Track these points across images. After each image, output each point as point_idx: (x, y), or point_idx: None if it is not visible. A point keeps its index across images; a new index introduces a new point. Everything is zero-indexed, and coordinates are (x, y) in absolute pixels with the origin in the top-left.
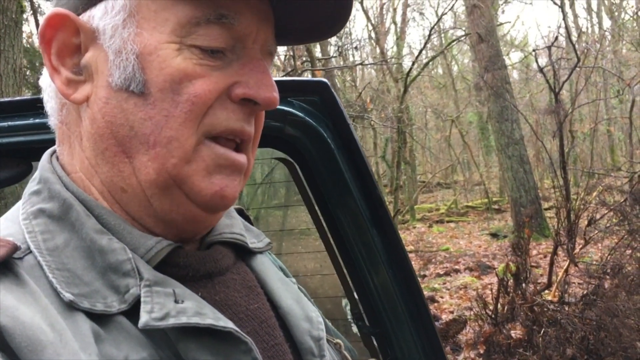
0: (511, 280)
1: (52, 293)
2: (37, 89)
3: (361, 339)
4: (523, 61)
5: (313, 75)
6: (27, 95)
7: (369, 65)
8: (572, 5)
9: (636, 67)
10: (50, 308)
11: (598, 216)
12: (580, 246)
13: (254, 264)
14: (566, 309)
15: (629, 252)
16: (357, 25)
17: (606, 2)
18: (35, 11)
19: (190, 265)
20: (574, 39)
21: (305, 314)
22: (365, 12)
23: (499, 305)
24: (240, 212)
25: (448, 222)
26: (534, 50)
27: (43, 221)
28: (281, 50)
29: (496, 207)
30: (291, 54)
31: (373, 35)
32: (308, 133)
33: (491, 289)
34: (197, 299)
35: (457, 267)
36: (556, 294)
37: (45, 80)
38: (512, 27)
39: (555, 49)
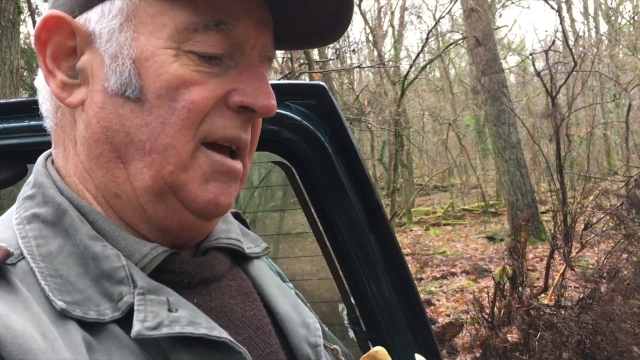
0: (508, 284)
1: (44, 301)
2: (34, 90)
3: (358, 344)
4: (520, 65)
5: (311, 77)
6: (23, 96)
7: (366, 68)
8: (569, 9)
9: (633, 71)
10: (42, 316)
11: (594, 220)
12: (577, 250)
13: (250, 269)
14: (562, 312)
15: (625, 256)
16: (355, 28)
17: (603, 6)
18: (32, 12)
19: (185, 272)
20: (571, 43)
21: (303, 320)
22: (363, 15)
23: (495, 309)
24: (237, 216)
25: (445, 225)
26: (531, 54)
27: (37, 226)
28: (279, 52)
29: (493, 210)
30: (289, 56)
31: (371, 38)
32: (305, 137)
33: (488, 293)
34: (191, 307)
35: (453, 270)
36: (552, 297)
37: (41, 82)
38: (509, 30)
39: (553, 53)
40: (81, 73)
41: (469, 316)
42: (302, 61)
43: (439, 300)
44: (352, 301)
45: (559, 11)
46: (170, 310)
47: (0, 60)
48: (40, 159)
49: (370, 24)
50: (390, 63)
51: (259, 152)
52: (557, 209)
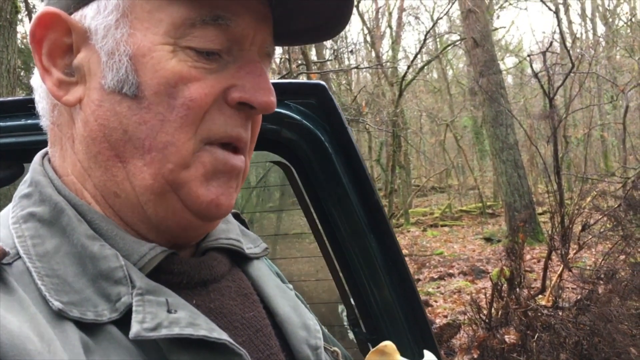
0: (505, 285)
1: (41, 301)
2: (31, 90)
3: (357, 345)
4: (517, 66)
5: (308, 78)
6: (20, 95)
7: (364, 69)
8: (566, 11)
9: (630, 73)
10: (39, 317)
11: (592, 221)
12: (574, 251)
13: (250, 270)
14: (560, 314)
15: (622, 257)
16: (353, 29)
17: (600, 8)
18: (29, 12)
19: (184, 273)
20: (568, 44)
21: (303, 322)
22: (361, 15)
23: (492, 310)
24: (236, 216)
25: (442, 226)
26: (528, 56)
27: (33, 225)
28: (277, 53)
29: (490, 211)
30: (287, 57)
31: (368, 39)
32: (305, 136)
33: (485, 294)
34: (190, 308)
35: (451, 271)
36: (550, 298)
37: (37, 81)
38: (506, 32)
39: (550, 54)
40: (78, 71)
41: (466, 317)
42: (299, 62)
43: (436, 302)
44: (352, 302)
45: (556, 13)
46: (169, 311)
47: None
48: (37, 158)
49: (368, 25)
50: (388, 64)
51: (258, 152)
52: (554, 210)
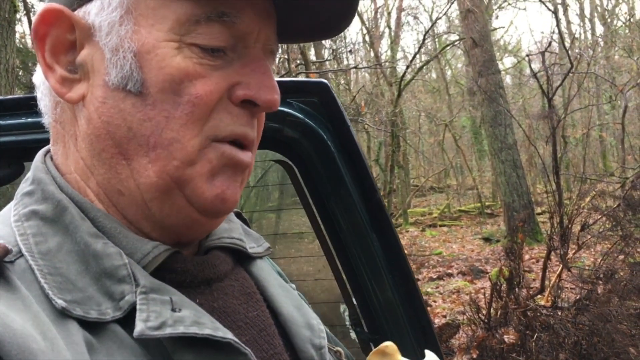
0: (504, 285)
1: (44, 299)
2: (30, 90)
3: (359, 345)
4: (516, 66)
5: (307, 78)
6: (19, 94)
7: (363, 69)
8: (565, 11)
9: (629, 73)
10: (42, 315)
11: (591, 221)
12: (573, 251)
13: (253, 269)
14: (559, 313)
15: (621, 257)
16: (352, 28)
17: (599, 8)
18: (28, 11)
19: (187, 271)
20: (567, 44)
21: (306, 322)
22: (360, 15)
23: (492, 310)
24: (238, 215)
25: (441, 226)
26: (527, 56)
27: (35, 223)
28: None
29: (489, 211)
30: (286, 57)
31: (367, 38)
32: (307, 135)
33: (484, 294)
34: (195, 307)
35: (450, 271)
36: (549, 298)
37: (39, 77)
38: (505, 32)
39: (549, 54)
40: (81, 68)
41: (465, 317)
42: (298, 62)
43: (435, 302)
44: (354, 302)
45: (555, 13)
46: (173, 309)
47: None
48: (39, 155)
49: (367, 25)
50: (387, 64)
51: (260, 151)
52: (553, 210)
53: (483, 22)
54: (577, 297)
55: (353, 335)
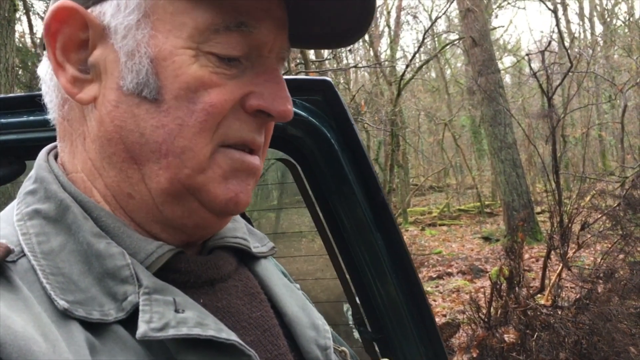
0: (504, 284)
1: (45, 300)
2: (29, 89)
3: (363, 344)
4: (516, 66)
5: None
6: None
7: (362, 68)
8: (564, 10)
9: (628, 72)
10: (44, 316)
11: (591, 220)
12: (574, 250)
13: (257, 269)
14: (559, 313)
15: (621, 256)
16: None
17: (598, 7)
18: (28, 10)
19: (191, 271)
20: (566, 44)
21: (311, 322)
22: None
23: (492, 309)
24: (241, 214)
25: (440, 225)
26: (527, 55)
27: (38, 223)
28: None
29: (488, 210)
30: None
31: (367, 38)
32: (311, 133)
33: (484, 293)
34: (198, 308)
35: (449, 270)
36: (549, 298)
37: (44, 70)
38: (505, 31)
39: (548, 53)
40: (93, 68)
41: (465, 316)
42: (298, 61)
43: (435, 301)
44: (357, 301)
45: (555, 12)
46: (176, 310)
47: None
48: (42, 154)
49: None
50: (387, 63)
51: None
52: (553, 210)
53: (483, 21)
54: (577, 297)
55: (356, 334)
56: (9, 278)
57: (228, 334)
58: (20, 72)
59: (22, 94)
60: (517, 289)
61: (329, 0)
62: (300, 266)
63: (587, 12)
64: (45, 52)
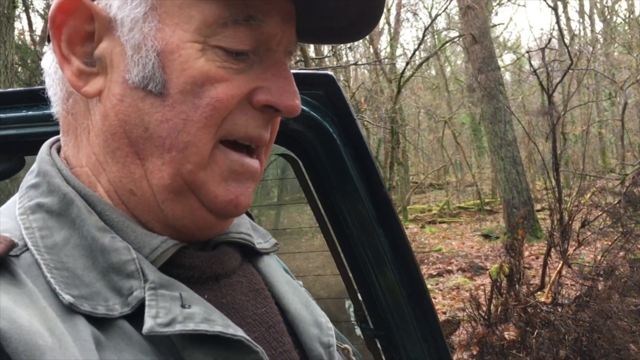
0: (504, 281)
1: (50, 294)
2: (29, 86)
3: (364, 341)
4: (516, 63)
5: None
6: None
7: (362, 66)
8: (565, 8)
9: (628, 70)
10: (49, 310)
11: (591, 218)
12: (574, 247)
13: (260, 265)
14: (559, 310)
15: (622, 253)
16: None
17: (598, 5)
18: (27, 7)
19: (196, 267)
20: (566, 41)
21: (315, 319)
22: None
23: (492, 307)
24: None
25: (440, 223)
26: (527, 52)
27: (41, 216)
28: None
29: (488, 208)
30: None
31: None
32: (312, 128)
33: (484, 290)
34: (204, 303)
35: (449, 267)
36: (549, 295)
37: (48, 63)
38: (505, 28)
39: (549, 51)
40: (99, 61)
41: (465, 314)
42: (298, 58)
43: (435, 298)
44: (359, 298)
45: (555, 9)
46: (183, 306)
47: None
48: (45, 147)
49: None
50: (386, 60)
51: None
52: (553, 207)
53: (483, 19)
54: (578, 294)
55: (358, 331)
56: (13, 272)
57: (235, 330)
58: (19, 70)
59: (22, 89)
60: (517, 286)
61: None
62: (301, 263)
63: (587, 9)
64: (49, 45)
